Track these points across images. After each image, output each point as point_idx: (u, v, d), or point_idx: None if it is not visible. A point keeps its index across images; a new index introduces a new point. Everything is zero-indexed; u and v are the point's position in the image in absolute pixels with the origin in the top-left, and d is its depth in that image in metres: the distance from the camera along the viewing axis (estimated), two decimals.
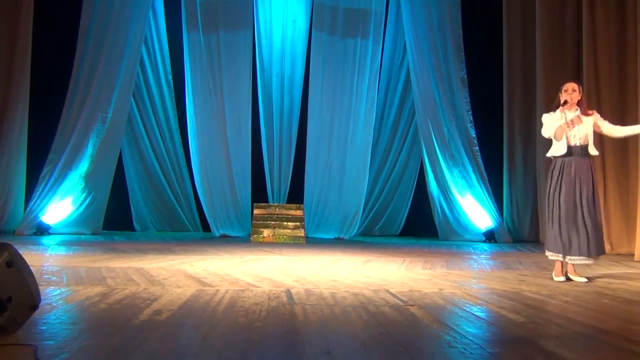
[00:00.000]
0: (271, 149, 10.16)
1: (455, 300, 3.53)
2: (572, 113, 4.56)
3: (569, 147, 4.58)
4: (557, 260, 4.63)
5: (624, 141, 7.36)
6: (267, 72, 10.25)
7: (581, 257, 4.52)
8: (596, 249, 4.53)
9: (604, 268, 5.69)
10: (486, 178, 9.59)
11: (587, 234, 4.48)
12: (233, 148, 9.91)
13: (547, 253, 4.69)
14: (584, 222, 4.49)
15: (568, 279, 4.59)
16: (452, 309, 3.27)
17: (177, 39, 10.21)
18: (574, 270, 4.64)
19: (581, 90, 4.73)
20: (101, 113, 9.39)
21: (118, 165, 9.91)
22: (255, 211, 9.22)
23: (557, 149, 4.63)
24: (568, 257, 4.54)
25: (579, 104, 4.62)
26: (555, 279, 4.59)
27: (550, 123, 4.61)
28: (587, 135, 4.62)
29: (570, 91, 4.63)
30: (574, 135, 4.59)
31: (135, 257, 5.80)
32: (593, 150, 4.64)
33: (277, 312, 3.02)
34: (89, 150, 9.30)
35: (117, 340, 2.36)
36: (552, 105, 4.83)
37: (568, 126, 4.56)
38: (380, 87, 10.51)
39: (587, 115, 4.67)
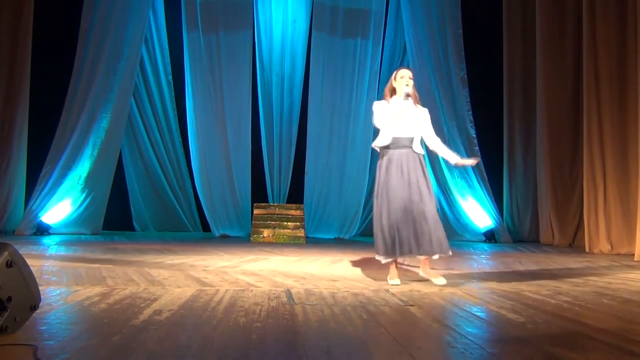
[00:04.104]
0: (271, 149, 10.17)
1: (455, 300, 3.53)
2: (407, 102, 4.22)
3: (396, 139, 4.21)
4: (388, 262, 4.15)
5: (624, 142, 7.37)
6: (267, 72, 10.26)
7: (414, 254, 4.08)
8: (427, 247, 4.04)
9: (604, 268, 5.69)
10: (486, 178, 9.60)
11: (421, 230, 4.02)
12: (233, 148, 9.92)
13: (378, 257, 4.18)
14: (417, 218, 4.04)
15: (423, 279, 4.24)
16: (452, 309, 3.27)
17: (177, 39, 10.22)
18: (429, 269, 4.24)
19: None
20: (101, 113, 9.39)
21: (118, 165, 9.91)
22: (255, 211, 9.22)
23: (384, 139, 4.24)
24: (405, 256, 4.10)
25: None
26: (390, 282, 4.11)
27: (386, 111, 4.22)
28: (417, 128, 4.27)
29: (408, 79, 4.27)
30: (405, 126, 4.22)
31: (135, 257, 5.80)
32: (419, 147, 4.28)
33: (277, 312, 3.02)
34: (89, 150, 9.31)
35: (117, 340, 2.36)
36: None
37: (400, 116, 4.19)
38: (381, 87, 10.51)
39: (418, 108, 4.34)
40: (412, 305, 3.30)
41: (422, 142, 4.41)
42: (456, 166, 4.29)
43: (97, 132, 9.37)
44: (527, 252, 7.52)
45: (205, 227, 10.13)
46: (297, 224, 9.04)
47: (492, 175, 9.68)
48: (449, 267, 5.52)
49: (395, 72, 4.40)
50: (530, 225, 9.60)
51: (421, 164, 4.20)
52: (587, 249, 7.53)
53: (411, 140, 4.24)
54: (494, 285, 4.29)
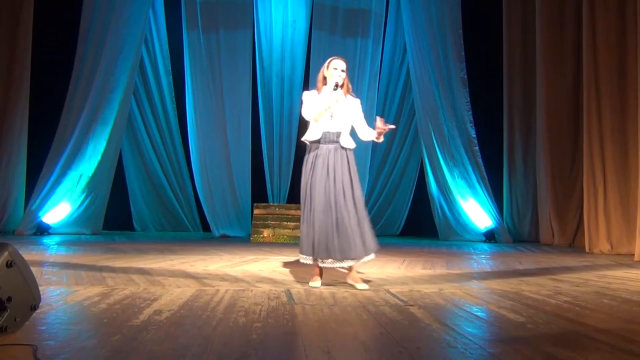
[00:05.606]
0: (271, 149, 10.17)
1: (455, 300, 3.53)
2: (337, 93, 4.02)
3: (325, 133, 4.05)
4: (310, 263, 3.98)
5: (624, 141, 7.37)
6: (267, 72, 10.26)
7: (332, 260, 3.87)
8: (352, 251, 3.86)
9: (604, 268, 5.69)
10: (486, 178, 9.60)
11: (341, 235, 3.87)
12: (233, 148, 9.92)
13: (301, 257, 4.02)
14: (337, 222, 3.88)
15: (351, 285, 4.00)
16: (452, 309, 3.27)
17: (177, 38, 10.23)
18: (354, 276, 3.98)
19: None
20: (101, 113, 9.40)
21: (118, 165, 9.92)
22: (255, 211, 9.22)
23: (314, 134, 4.11)
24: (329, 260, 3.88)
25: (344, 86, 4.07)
26: (310, 284, 4.00)
27: (315, 102, 4.03)
28: (346, 122, 4.09)
29: (340, 72, 4.03)
30: (334, 120, 4.04)
31: (135, 257, 5.80)
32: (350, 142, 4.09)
33: (277, 312, 3.02)
34: (89, 150, 9.31)
35: (117, 340, 2.36)
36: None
37: (333, 105, 4.02)
38: (380, 87, 10.51)
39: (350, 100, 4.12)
40: (412, 305, 3.30)
41: (354, 135, 4.19)
42: (378, 139, 4.08)
43: (97, 132, 9.37)
44: (527, 252, 7.52)
45: (205, 227, 10.13)
46: (297, 223, 9.04)
47: (492, 175, 9.68)
48: (449, 267, 5.52)
49: (328, 61, 4.11)
50: (530, 225, 9.60)
51: (348, 160, 4.02)
52: (587, 249, 7.52)
53: (339, 134, 4.05)
54: (494, 285, 4.29)
